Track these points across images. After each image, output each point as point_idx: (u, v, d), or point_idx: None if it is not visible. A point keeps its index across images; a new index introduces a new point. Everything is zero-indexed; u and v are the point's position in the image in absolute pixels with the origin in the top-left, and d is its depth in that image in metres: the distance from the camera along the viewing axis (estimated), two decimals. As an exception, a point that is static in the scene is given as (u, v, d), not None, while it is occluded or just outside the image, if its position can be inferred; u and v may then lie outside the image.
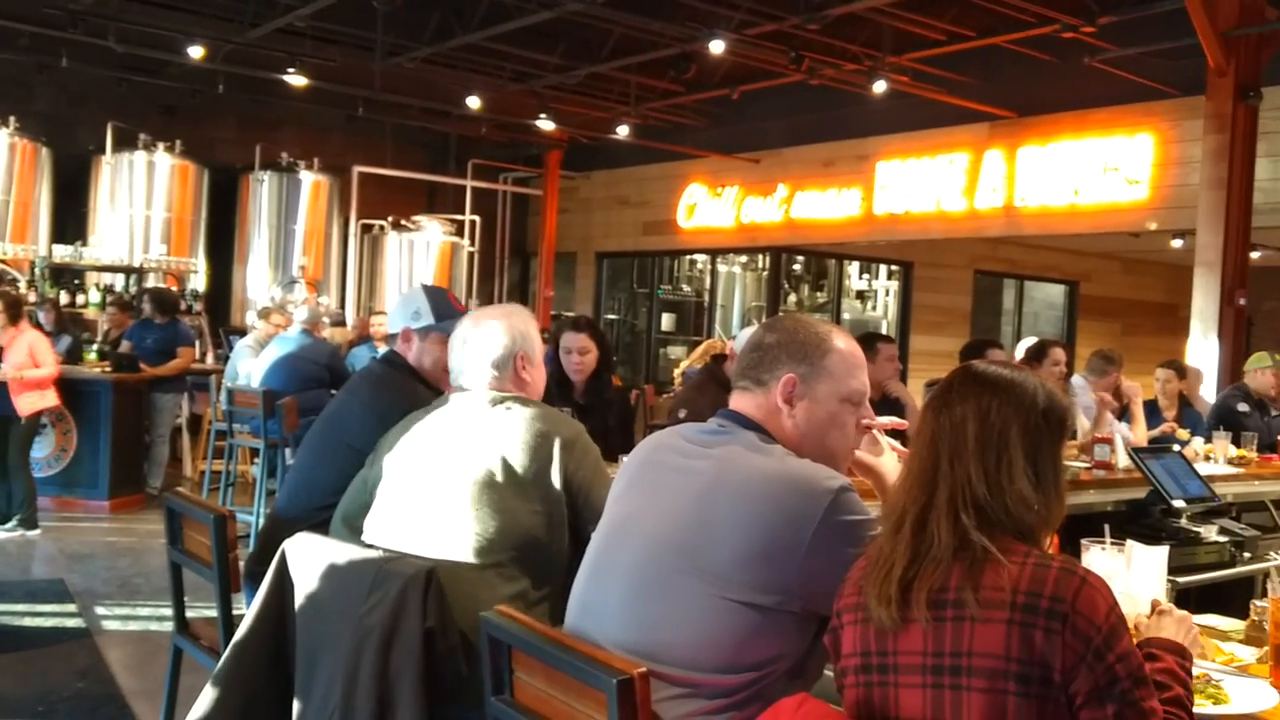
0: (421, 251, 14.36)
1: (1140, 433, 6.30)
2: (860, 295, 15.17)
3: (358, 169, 14.41)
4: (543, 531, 2.47)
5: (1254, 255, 11.35)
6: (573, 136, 14.73)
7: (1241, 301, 8.62)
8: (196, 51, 10.71)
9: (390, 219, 14.38)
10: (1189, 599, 4.29)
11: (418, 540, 2.45)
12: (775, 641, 1.83)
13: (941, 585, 1.56)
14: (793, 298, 14.99)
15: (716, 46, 9.75)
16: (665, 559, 1.90)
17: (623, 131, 13.11)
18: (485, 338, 2.70)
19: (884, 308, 15.04)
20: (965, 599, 1.53)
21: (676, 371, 11.91)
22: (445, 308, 3.36)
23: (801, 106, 12.23)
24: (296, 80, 11.33)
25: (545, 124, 12.92)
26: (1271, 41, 8.66)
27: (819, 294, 15.13)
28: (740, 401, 2.06)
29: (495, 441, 2.49)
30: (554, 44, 11.56)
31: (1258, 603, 2.09)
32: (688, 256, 15.66)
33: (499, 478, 2.45)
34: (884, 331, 14.33)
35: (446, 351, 2.81)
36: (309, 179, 13.56)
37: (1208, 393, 8.32)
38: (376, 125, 14.35)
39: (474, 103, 12.16)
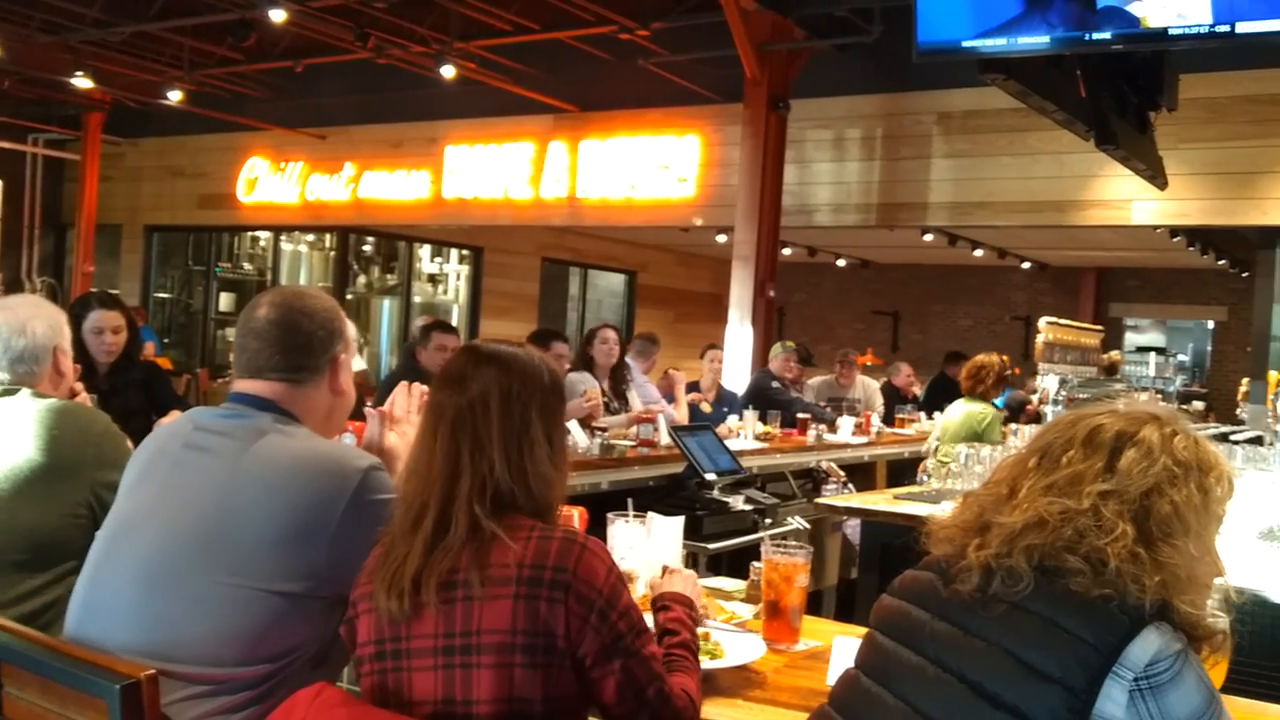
0: (-72, 218, 12.58)
1: (682, 413, 6.81)
2: (432, 279, 15.17)
3: None
4: (63, 535, 2.24)
5: (785, 252, 12.61)
6: (117, 99, 13.49)
7: (772, 293, 9.52)
8: None
9: (-115, 178, 12.47)
10: (722, 563, 4.69)
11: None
12: (300, 629, 1.79)
13: (452, 568, 1.58)
14: (362, 279, 14.74)
15: (277, 15, 9.33)
16: (182, 552, 1.79)
17: (175, 97, 12.19)
18: (10, 329, 2.43)
19: (455, 292, 15.14)
20: (472, 579, 1.56)
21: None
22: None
23: (370, 85, 12.00)
24: None
25: (82, 82, 11.71)
26: (800, 58, 9.63)
27: (389, 276, 14.96)
28: (265, 388, 1.95)
29: (10, 439, 2.25)
30: (94, -5, 10.52)
31: (755, 564, 2.30)
32: (249, 233, 14.90)
33: (10, 477, 2.20)
34: (455, 316, 14.49)
35: None
36: None
37: (743, 374, 9.14)
38: None
39: (-9, 51, 10.79)
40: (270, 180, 13.56)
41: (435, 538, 1.60)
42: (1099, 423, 1.46)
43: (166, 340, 14.69)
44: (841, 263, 16.32)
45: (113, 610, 1.82)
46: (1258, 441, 3.90)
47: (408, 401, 2.17)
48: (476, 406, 1.64)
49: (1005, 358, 12.13)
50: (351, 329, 2.07)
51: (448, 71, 10.34)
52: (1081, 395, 4.88)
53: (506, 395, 1.65)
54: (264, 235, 14.78)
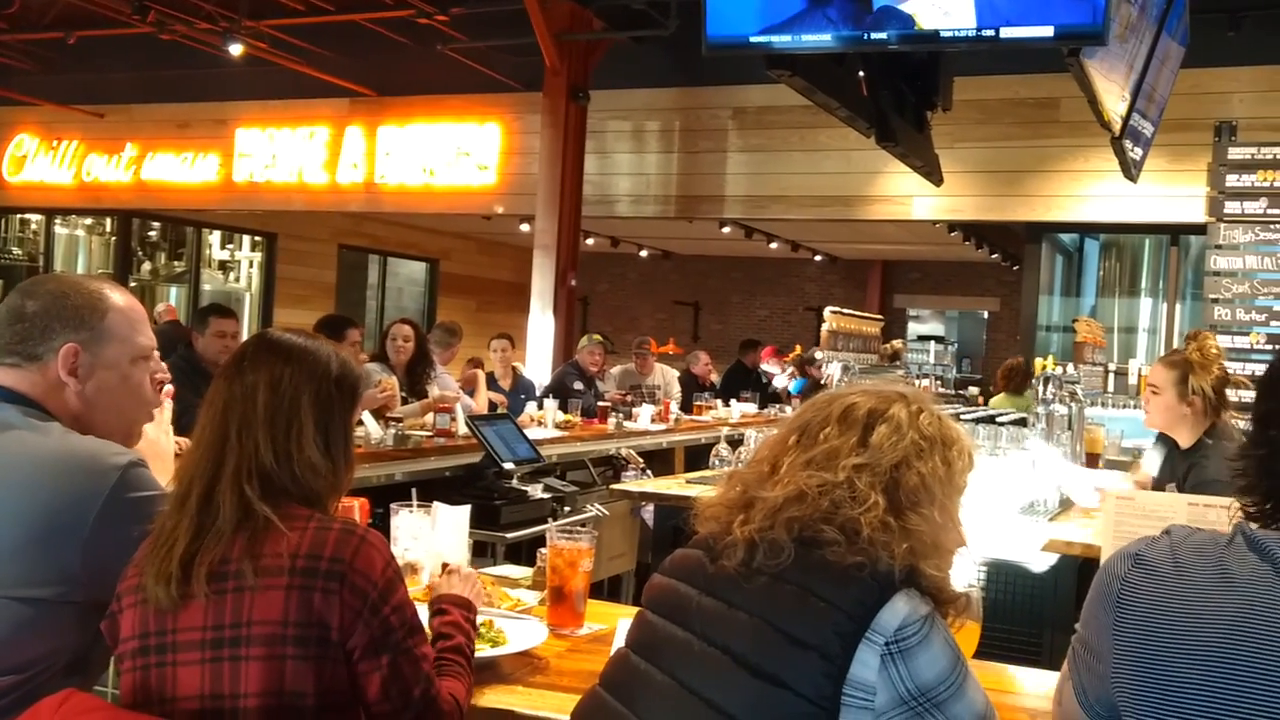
0: None
1: (481, 402, 6.76)
2: (223, 265, 14.57)
3: None
4: None
5: (588, 242, 12.68)
6: None
7: (573, 282, 9.56)
8: None
9: None
10: (521, 552, 4.68)
11: None
12: (50, 638, 1.68)
13: (223, 558, 1.53)
14: (147, 265, 14.03)
15: (45, -18, 8.75)
16: None
17: (-74, 66, 11.28)
18: None
19: (248, 279, 14.59)
20: (244, 569, 1.52)
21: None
22: None
23: (153, 61, 11.38)
24: None
25: None
26: (599, 49, 9.68)
27: (177, 263, 14.30)
28: (6, 377, 1.82)
29: None
30: None
31: (542, 550, 2.31)
32: (18, 216, 13.95)
33: None
34: (247, 304, 13.96)
35: None
36: None
37: (544, 361, 9.15)
38: None
39: None
40: (41, 159, 12.72)
41: (201, 518, 1.55)
42: (852, 401, 1.54)
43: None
44: (644, 253, 16.54)
45: None
46: (1021, 423, 4.15)
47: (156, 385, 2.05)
48: (248, 390, 1.61)
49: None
50: (119, 326, 1.87)
51: (235, 49, 9.92)
52: (864, 381, 5.08)
53: (277, 380, 1.62)
54: (35, 218, 13.89)
